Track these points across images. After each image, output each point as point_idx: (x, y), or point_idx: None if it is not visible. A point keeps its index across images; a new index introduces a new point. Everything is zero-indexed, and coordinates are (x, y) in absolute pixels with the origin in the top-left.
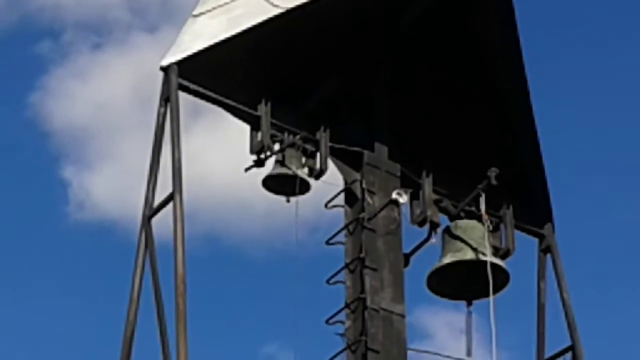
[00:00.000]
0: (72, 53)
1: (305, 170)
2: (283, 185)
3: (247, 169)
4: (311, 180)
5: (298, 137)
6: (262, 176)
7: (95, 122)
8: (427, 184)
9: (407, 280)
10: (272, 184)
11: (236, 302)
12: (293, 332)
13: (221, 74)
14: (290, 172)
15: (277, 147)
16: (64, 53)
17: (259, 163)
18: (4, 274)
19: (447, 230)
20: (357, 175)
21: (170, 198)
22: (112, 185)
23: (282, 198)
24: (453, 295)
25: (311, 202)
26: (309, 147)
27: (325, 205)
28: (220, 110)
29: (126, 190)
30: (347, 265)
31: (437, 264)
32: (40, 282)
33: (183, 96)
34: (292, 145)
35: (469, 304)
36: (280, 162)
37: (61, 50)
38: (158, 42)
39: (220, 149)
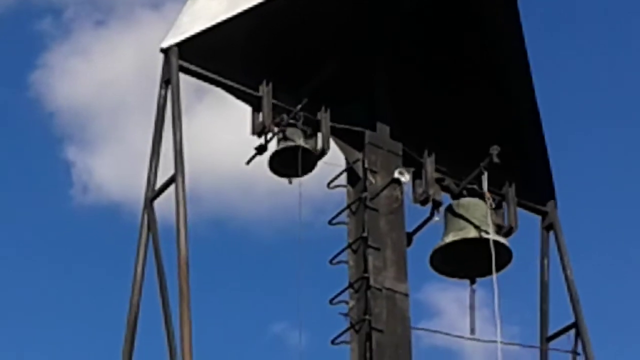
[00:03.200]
0: (75, 30)
1: (309, 145)
2: (288, 161)
3: (248, 161)
4: (315, 155)
5: (299, 112)
6: (267, 156)
7: (99, 101)
8: (429, 162)
9: (414, 258)
10: (277, 162)
11: (242, 283)
12: (299, 312)
13: (222, 55)
14: (294, 143)
15: (278, 128)
16: (66, 30)
17: (260, 150)
18: (9, 256)
19: (450, 209)
20: (359, 155)
21: (172, 180)
22: (115, 167)
23: (286, 180)
24: (456, 274)
25: (314, 183)
26: (310, 129)
27: (328, 185)
28: (223, 91)
29: (130, 172)
30: (350, 245)
31: (440, 243)
32: (44, 264)
33: (185, 78)
34: (293, 125)
35: (472, 282)
36: (283, 139)
37: (63, 27)
38: (163, 19)
39: (224, 131)
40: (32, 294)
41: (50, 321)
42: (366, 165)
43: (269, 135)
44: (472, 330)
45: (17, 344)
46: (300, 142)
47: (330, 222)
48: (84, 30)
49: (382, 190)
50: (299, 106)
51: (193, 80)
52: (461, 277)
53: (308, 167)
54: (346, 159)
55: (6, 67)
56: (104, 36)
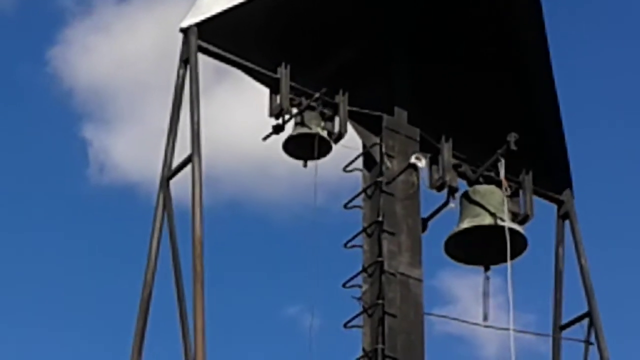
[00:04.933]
0: (96, 6)
1: (325, 132)
2: (303, 146)
3: (265, 138)
4: (331, 142)
5: (318, 98)
6: (283, 140)
7: (118, 79)
8: (446, 148)
9: (429, 244)
10: (292, 146)
11: (257, 265)
12: (311, 295)
13: (241, 36)
14: (310, 131)
15: (295, 110)
16: (87, 6)
17: (277, 130)
18: (25, 235)
19: (466, 195)
20: (376, 139)
21: (188, 160)
22: (133, 147)
23: (302, 162)
24: (471, 261)
25: (330, 166)
26: (328, 111)
27: (344, 169)
28: (241, 73)
29: (148, 152)
30: (364, 229)
31: (455, 229)
32: (59, 243)
33: (205, 59)
34: (311, 108)
35: (487, 269)
36: (300, 124)
37: (84, 3)
38: None
39: (242, 112)
40: (47, 274)
41: (65, 301)
42: (383, 150)
43: (287, 117)
44: (486, 317)
45: (30, 322)
46: (317, 128)
47: (345, 206)
48: (105, 6)
49: (398, 175)
50: (318, 94)
51: (212, 61)
52: (475, 264)
53: (324, 151)
54: (363, 142)
55: (25, 41)
56: (126, 13)
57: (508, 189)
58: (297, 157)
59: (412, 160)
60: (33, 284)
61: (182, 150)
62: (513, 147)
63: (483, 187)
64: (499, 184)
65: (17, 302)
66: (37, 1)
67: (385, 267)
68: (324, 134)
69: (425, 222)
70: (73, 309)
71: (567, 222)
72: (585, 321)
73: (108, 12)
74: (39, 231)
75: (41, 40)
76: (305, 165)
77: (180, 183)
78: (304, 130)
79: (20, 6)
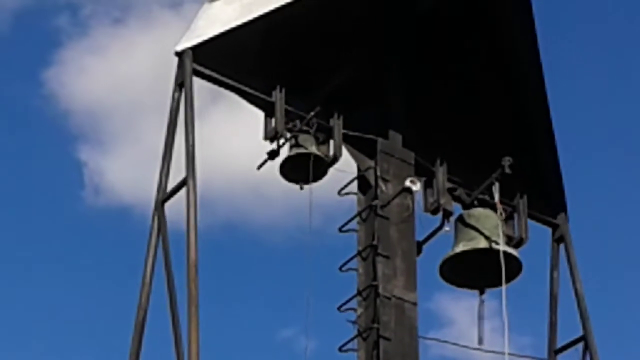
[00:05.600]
0: (92, 27)
1: (320, 153)
2: (299, 168)
3: (260, 166)
4: (326, 162)
5: (312, 119)
6: (279, 162)
7: (113, 100)
8: (441, 172)
9: (425, 267)
10: (288, 168)
11: (252, 288)
12: (306, 318)
13: (236, 59)
14: (306, 150)
15: (289, 135)
16: (83, 27)
17: (272, 156)
18: (18, 256)
19: (461, 219)
20: (371, 163)
21: (183, 183)
22: (128, 169)
23: (298, 185)
24: (466, 284)
25: (325, 189)
26: (322, 135)
27: (339, 192)
28: (236, 96)
29: (143, 174)
30: (359, 253)
31: (450, 253)
32: (53, 265)
33: (200, 82)
34: (305, 131)
35: (482, 292)
36: (296, 146)
37: (80, 24)
38: (181, 19)
39: (237, 135)
40: (41, 295)
41: (59, 323)
42: (378, 173)
43: (281, 141)
44: (481, 341)
45: (24, 345)
46: (312, 149)
47: (340, 229)
48: (101, 28)
49: (393, 199)
50: (312, 113)
51: (207, 84)
52: (470, 287)
53: (319, 174)
54: (358, 166)
55: (21, 62)
56: (121, 35)
57: (503, 213)
58: (292, 180)
59: (407, 183)
60: (27, 305)
61: (177, 173)
62: (508, 170)
63: (478, 211)
64: (493, 208)
65: (12, 323)
66: (32, 22)
67: (380, 290)
68: (320, 153)
69: (420, 245)
70: (67, 331)
71: (561, 245)
72: (581, 345)
73: (104, 33)
74: (34, 252)
75: (36, 61)
76: (301, 189)
77: (175, 206)
78: (300, 150)
79: (15, 27)
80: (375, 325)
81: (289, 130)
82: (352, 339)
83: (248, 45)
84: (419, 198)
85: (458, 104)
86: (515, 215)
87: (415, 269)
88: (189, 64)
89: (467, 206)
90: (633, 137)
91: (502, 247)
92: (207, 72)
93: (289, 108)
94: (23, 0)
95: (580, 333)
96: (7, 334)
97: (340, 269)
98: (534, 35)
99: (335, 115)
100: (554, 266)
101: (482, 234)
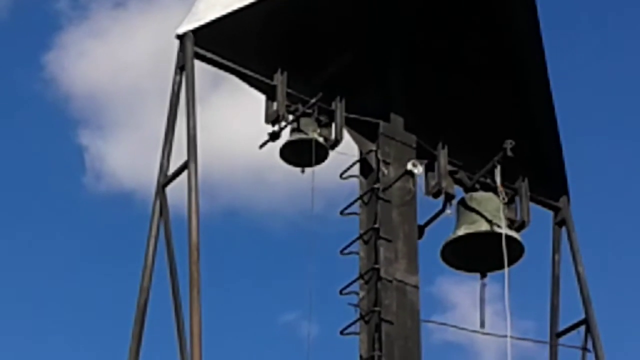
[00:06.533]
0: (92, 11)
1: (321, 138)
2: (300, 152)
3: (261, 145)
4: (327, 146)
5: (314, 104)
6: (279, 145)
7: (114, 85)
8: (443, 155)
9: (427, 251)
10: (289, 152)
11: (254, 273)
12: (309, 302)
13: (237, 43)
14: (307, 136)
15: (292, 117)
16: (83, 10)
17: (273, 137)
18: (20, 243)
19: (462, 202)
20: (373, 146)
21: (184, 166)
22: (130, 153)
23: (299, 169)
24: (467, 267)
25: (327, 173)
26: (324, 118)
27: (340, 176)
28: (238, 80)
29: (144, 159)
30: (361, 236)
31: (452, 236)
32: (57, 250)
33: (201, 65)
34: (307, 114)
35: (483, 276)
36: (297, 130)
37: (80, 8)
38: (183, 2)
39: (239, 119)
40: (44, 281)
41: (63, 308)
42: (379, 157)
43: (283, 124)
44: (482, 324)
45: (30, 324)
46: (314, 133)
47: (342, 213)
48: (101, 11)
49: (394, 182)
50: (314, 99)
51: (209, 67)
52: (472, 270)
53: (321, 157)
54: (359, 149)
55: (21, 46)
56: (122, 18)
57: (505, 196)
58: (294, 164)
59: (409, 167)
60: (29, 289)
61: (179, 157)
62: (509, 153)
63: (479, 194)
64: (495, 191)
65: (15, 307)
66: (31, 6)
67: (382, 274)
68: (321, 139)
69: (421, 228)
70: (70, 315)
71: (563, 228)
72: (582, 328)
73: (104, 17)
74: (36, 237)
75: (37, 45)
76: (302, 172)
77: (177, 190)
78: (301, 135)
79: (15, 11)
80: (377, 308)
81: (291, 113)
82: (354, 323)
83: (249, 28)
84: (420, 181)
85: (459, 87)
86: (517, 199)
87: (417, 252)
88: (190, 47)
89: (468, 189)
90: (635, 120)
91: (504, 230)
92: (209, 55)
93: (291, 91)
94: None
95: (582, 316)
96: (8, 318)
97: (341, 252)
98: (536, 18)
99: (337, 99)
100: (556, 249)
101: (483, 217)
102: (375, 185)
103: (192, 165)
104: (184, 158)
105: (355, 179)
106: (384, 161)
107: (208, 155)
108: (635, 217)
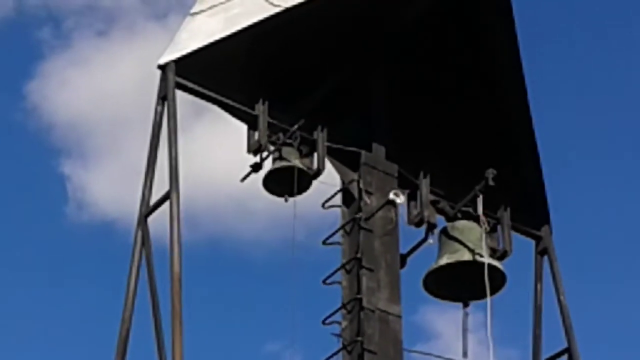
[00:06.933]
0: (75, 40)
1: (304, 167)
2: (283, 181)
3: (243, 178)
4: (310, 175)
5: (295, 133)
6: (262, 175)
7: (97, 114)
8: (425, 184)
9: (409, 280)
10: (271, 181)
11: (236, 302)
12: (291, 332)
13: (219, 72)
14: (289, 164)
15: (273, 148)
16: (66, 39)
17: (255, 168)
18: (1, 272)
19: (444, 231)
20: (355, 176)
21: (166, 196)
22: (112, 183)
23: (282, 199)
24: (450, 297)
25: (309, 202)
26: (305, 148)
27: (323, 205)
28: (220, 110)
29: (126, 189)
30: (343, 266)
31: (434, 265)
32: (37, 280)
33: (183, 95)
34: (289, 144)
35: (466, 305)
36: (279, 159)
37: (63, 37)
38: (166, 31)
39: (221, 149)
40: (24, 310)
41: (43, 338)
42: (361, 186)
43: (265, 154)
44: (465, 354)
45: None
46: (296, 161)
47: (324, 242)
48: (84, 40)
49: (377, 211)
50: (296, 126)
51: (190, 97)
52: (454, 299)
53: (303, 187)
54: (341, 179)
55: (2, 74)
56: (105, 48)
57: (486, 225)
58: (276, 194)
59: (391, 196)
60: (9, 319)
61: (160, 187)
62: (491, 183)
63: (461, 223)
64: (477, 220)
65: None
66: (13, 34)
67: (364, 303)
68: (303, 166)
69: (404, 258)
70: (51, 344)
71: (545, 258)
72: (565, 357)
73: (86, 46)
74: (17, 267)
75: (18, 74)
76: (286, 201)
77: (159, 220)
78: (283, 163)
79: None
80: (360, 338)
81: (272, 143)
82: (336, 352)
83: (231, 58)
84: (402, 211)
85: (441, 116)
86: (499, 228)
87: (399, 282)
88: (171, 77)
89: (450, 219)
90: (617, 149)
91: (486, 259)
92: (190, 85)
93: (272, 121)
94: (5, 11)
95: (565, 345)
96: None
97: (324, 282)
98: (517, 49)
99: (319, 128)
100: (538, 278)
101: (466, 246)
102: (357, 215)
103: (174, 195)
104: (166, 188)
105: (337, 209)
106: (366, 191)
107: (190, 185)
108: (618, 246)
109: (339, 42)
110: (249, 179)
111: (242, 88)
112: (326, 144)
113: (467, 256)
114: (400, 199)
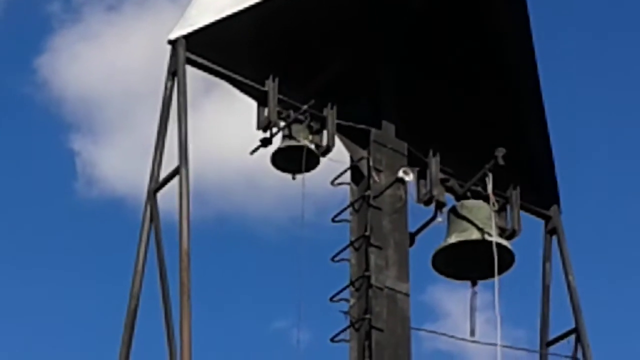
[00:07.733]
0: (85, 14)
1: (313, 145)
2: (291, 159)
3: (253, 151)
4: (319, 155)
5: (305, 111)
6: (271, 151)
7: (107, 89)
8: (434, 162)
9: (418, 259)
10: (280, 159)
11: (244, 279)
12: (299, 309)
13: (229, 48)
14: (298, 143)
15: (283, 123)
16: (76, 13)
17: (265, 143)
18: (10, 249)
19: (453, 210)
20: (364, 153)
21: (176, 172)
22: (121, 159)
23: (290, 175)
24: (458, 275)
25: (318, 180)
26: (315, 125)
27: (332, 183)
28: (230, 86)
29: (136, 165)
30: (352, 243)
31: (443, 244)
32: (47, 256)
33: (193, 71)
34: (298, 121)
35: (474, 284)
36: (288, 137)
37: (73, 11)
38: (177, 6)
39: (230, 125)
40: (34, 287)
41: (53, 314)
42: (371, 164)
43: (274, 130)
44: (472, 332)
45: (20, 336)
46: (306, 140)
47: (333, 220)
48: (95, 14)
49: (386, 189)
50: (306, 106)
51: (200, 73)
52: (463, 278)
53: (312, 164)
54: (350, 156)
55: (13, 49)
56: (116, 22)
57: (495, 204)
58: (285, 170)
59: (400, 174)
60: (18, 293)
61: (170, 162)
62: (501, 162)
63: (470, 202)
64: (486, 199)
65: (4, 311)
66: (23, 8)
67: (372, 281)
68: (312, 146)
69: (412, 236)
70: (60, 319)
71: (554, 237)
72: (572, 337)
73: (97, 20)
74: (26, 244)
75: (28, 48)
76: (294, 178)
77: (168, 196)
78: (292, 142)
79: (6, 13)
80: (368, 316)
81: (282, 119)
82: (344, 330)
83: (241, 34)
84: (411, 189)
85: (451, 95)
86: (508, 207)
87: (408, 260)
88: (182, 53)
89: (459, 197)
90: (627, 129)
91: (494, 238)
92: (200, 60)
93: (282, 97)
94: None
95: (572, 325)
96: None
97: (332, 259)
98: (527, 25)
99: (329, 106)
100: (547, 258)
101: (474, 225)
102: (366, 193)
103: (183, 171)
104: (176, 163)
105: (346, 186)
106: (375, 168)
107: (199, 161)
108: (627, 225)
109: (350, 19)
110: (258, 154)
111: (252, 64)
112: (336, 121)
113: (475, 235)
114: (410, 177)
